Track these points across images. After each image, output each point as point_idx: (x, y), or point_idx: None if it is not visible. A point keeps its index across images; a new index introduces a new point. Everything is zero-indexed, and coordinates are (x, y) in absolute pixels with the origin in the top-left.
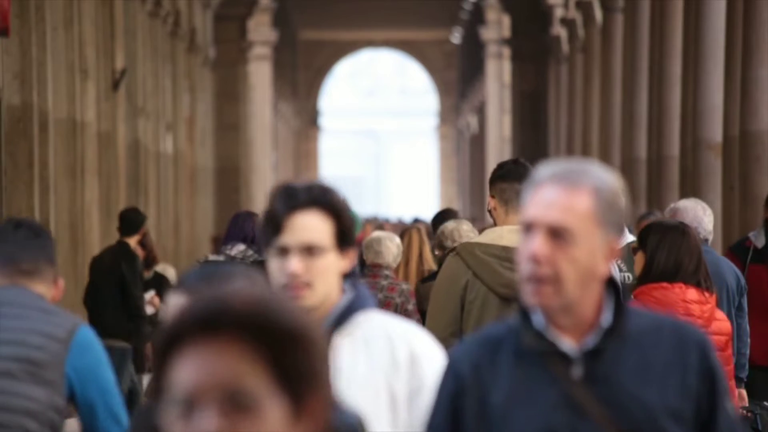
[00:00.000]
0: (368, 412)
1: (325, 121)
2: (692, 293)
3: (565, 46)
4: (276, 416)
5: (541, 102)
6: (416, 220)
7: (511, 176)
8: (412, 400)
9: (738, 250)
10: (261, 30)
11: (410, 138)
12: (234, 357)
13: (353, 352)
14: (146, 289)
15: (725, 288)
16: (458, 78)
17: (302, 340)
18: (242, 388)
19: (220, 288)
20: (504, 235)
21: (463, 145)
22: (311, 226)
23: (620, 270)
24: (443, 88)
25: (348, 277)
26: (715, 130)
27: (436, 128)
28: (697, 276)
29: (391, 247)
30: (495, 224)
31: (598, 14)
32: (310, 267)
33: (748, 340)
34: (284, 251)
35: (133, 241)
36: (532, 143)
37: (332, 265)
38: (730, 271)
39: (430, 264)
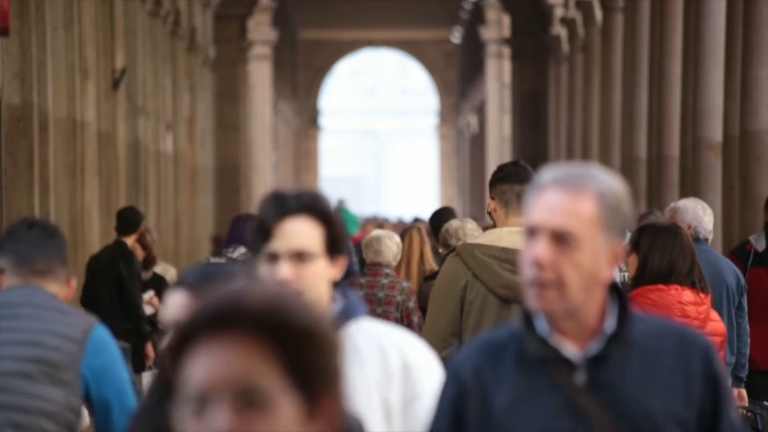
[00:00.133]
0: None
1: (325, 120)
2: (688, 294)
3: (565, 46)
4: (289, 414)
5: (541, 102)
6: (416, 220)
7: (512, 178)
8: (406, 409)
9: (739, 254)
10: (261, 29)
11: (410, 138)
12: (248, 354)
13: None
14: (145, 289)
15: (725, 287)
16: (458, 78)
17: (316, 339)
18: (255, 385)
19: (235, 286)
20: (504, 236)
21: (463, 144)
22: (301, 232)
23: (620, 270)
24: (443, 87)
25: (338, 285)
26: (715, 129)
27: (436, 128)
28: (692, 277)
29: (391, 245)
30: (495, 226)
31: (598, 14)
32: (300, 273)
33: (748, 339)
34: (274, 257)
35: (130, 241)
36: (532, 143)
37: (322, 272)
38: (730, 270)
39: (431, 264)
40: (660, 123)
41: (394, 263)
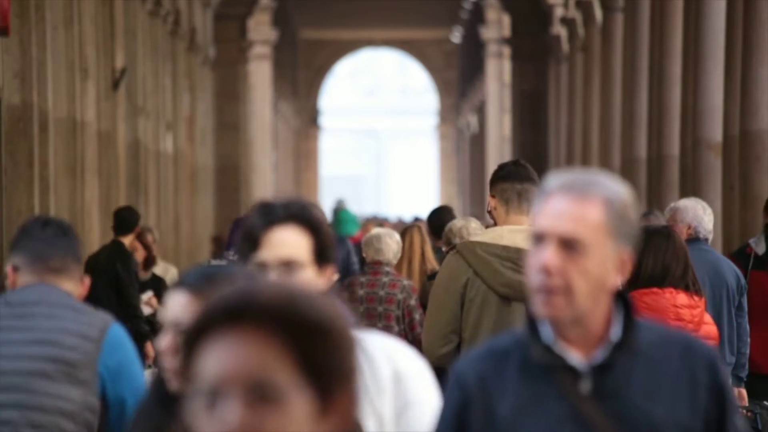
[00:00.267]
0: None
1: (326, 120)
2: (682, 298)
3: (565, 46)
4: (301, 410)
5: (541, 101)
6: (416, 219)
7: (512, 177)
8: (399, 419)
9: (739, 257)
10: (261, 29)
11: (410, 137)
12: (261, 349)
13: None
14: (143, 290)
15: (725, 287)
16: (458, 77)
17: (331, 336)
18: (268, 380)
19: (250, 281)
20: (505, 234)
21: (463, 144)
22: (289, 241)
23: None
24: (443, 87)
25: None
26: (715, 129)
27: (436, 128)
28: (686, 280)
29: (391, 243)
30: (495, 224)
31: (598, 14)
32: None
33: (748, 339)
34: (262, 267)
35: (127, 240)
36: (532, 143)
37: (311, 281)
38: (730, 270)
39: (433, 263)
40: (660, 123)
41: (395, 261)
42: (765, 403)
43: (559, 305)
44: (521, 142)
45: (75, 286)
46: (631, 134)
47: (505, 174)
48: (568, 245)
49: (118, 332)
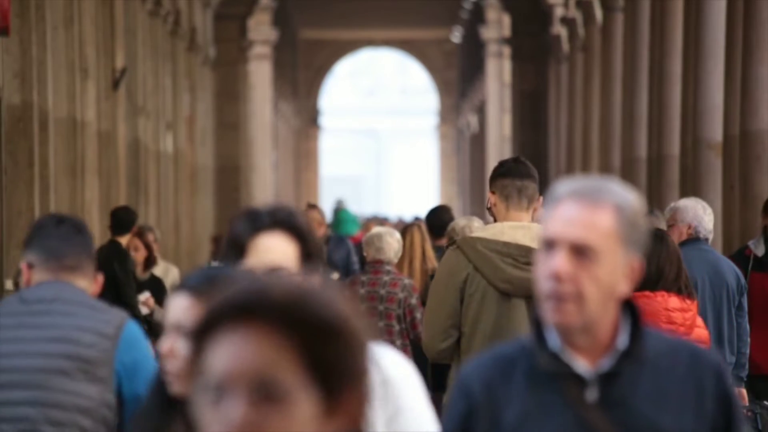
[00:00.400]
0: None
1: (326, 120)
2: (674, 301)
3: (565, 46)
4: (306, 410)
5: (541, 101)
6: (416, 219)
7: (513, 173)
8: (390, 425)
9: (738, 259)
10: (261, 29)
11: (410, 137)
12: (269, 346)
13: None
14: (141, 290)
15: (725, 287)
16: (458, 77)
17: (340, 336)
18: (273, 378)
19: (263, 277)
20: (505, 231)
21: (463, 144)
22: (276, 248)
23: None
24: (443, 87)
25: None
26: (715, 129)
27: (436, 127)
28: (678, 283)
29: (392, 242)
30: (495, 220)
31: (599, 13)
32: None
33: (748, 339)
34: (234, 268)
35: (125, 240)
36: (533, 143)
37: None
38: (731, 270)
39: (433, 262)
40: (660, 122)
41: (396, 260)
42: (765, 403)
43: (569, 312)
44: (521, 142)
45: (89, 283)
46: (631, 134)
47: (505, 170)
48: (580, 252)
49: (134, 330)
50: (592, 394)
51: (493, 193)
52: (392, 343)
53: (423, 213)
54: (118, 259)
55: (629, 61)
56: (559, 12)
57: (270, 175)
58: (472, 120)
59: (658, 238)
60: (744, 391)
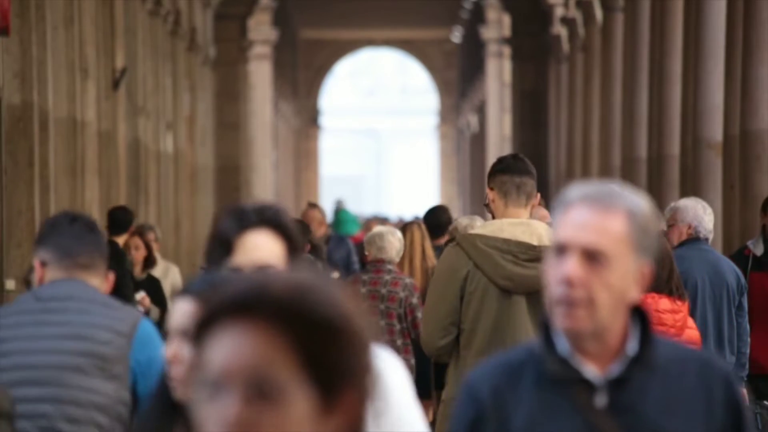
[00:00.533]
0: None
1: (326, 120)
2: (665, 303)
3: (565, 46)
4: (302, 408)
5: (541, 101)
6: (416, 218)
7: (511, 170)
8: (377, 420)
9: (737, 259)
10: (261, 29)
11: (410, 137)
12: (265, 343)
13: None
14: (137, 289)
15: (725, 287)
16: (458, 77)
17: (339, 333)
18: (269, 376)
19: (264, 273)
20: (504, 227)
21: (463, 144)
22: (263, 246)
23: None
24: (443, 87)
25: None
26: (715, 129)
27: (436, 127)
28: (670, 284)
29: (394, 241)
30: (493, 217)
31: (599, 13)
32: None
33: (748, 339)
34: (236, 272)
35: (121, 240)
36: (533, 142)
37: None
38: (731, 270)
39: (433, 260)
40: (660, 122)
41: (397, 259)
42: (765, 403)
43: (580, 318)
44: (521, 142)
45: (101, 282)
46: (631, 134)
47: (504, 167)
48: (591, 257)
49: (148, 328)
50: (601, 400)
51: (491, 189)
52: (393, 342)
53: (422, 213)
54: (115, 258)
55: (629, 61)
56: (559, 12)
57: (270, 175)
58: (472, 120)
59: None
60: (744, 391)
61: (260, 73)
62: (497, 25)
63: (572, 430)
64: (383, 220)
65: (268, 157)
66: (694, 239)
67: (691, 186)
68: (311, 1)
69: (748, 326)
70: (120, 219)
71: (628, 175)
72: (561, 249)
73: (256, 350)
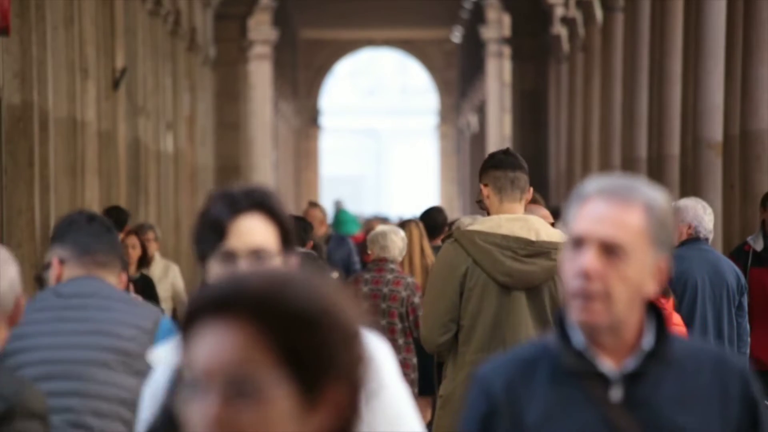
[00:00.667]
0: None
1: (326, 120)
2: None
3: (565, 45)
4: (283, 404)
5: (541, 101)
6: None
7: (504, 165)
8: (369, 402)
9: (738, 255)
10: (261, 29)
11: (411, 137)
12: (243, 341)
13: None
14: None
15: (725, 287)
16: (458, 77)
17: (318, 326)
18: (247, 374)
19: (242, 270)
20: (503, 223)
21: (463, 144)
22: (257, 229)
23: None
24: (443, 87)
25: None
26: (715, 129)
27: (436, 127)
28: None
29: (397, 240)
30: (488, 213)
31: (599, 13)
32: None
33: (748, 339)
34: (231, 256)
35: None
36: (533, 142)
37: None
38: (731, 270)
39: (432, 258)
40: (660, 122)
41: (400, 258)
42: (765, 402)
43: (597, 311)
44: (521, 142)
45: (116, 280)
46: (631, 133)
47: (496, 162)
48: (609, 250)
49: (168, 325)
50: (616, 394)
51: (485, 185)
52: (395, 341)
53: (419, 213)
54: None
55: (629, 61)
56: (559, 12)
57: (270, 174)
58: (472, 120)
59: None
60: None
61: (260, 73)
62: (497, 25)
63: (587, 424)
64: (383, 220)
65: (268, 157)
66: (694, 239)
67: (691, 186)
68: (311, 1)
69: (748, 326)
70: (115, 218)
71: (628, 175)
72: (578, 242)
73: (234, 349)
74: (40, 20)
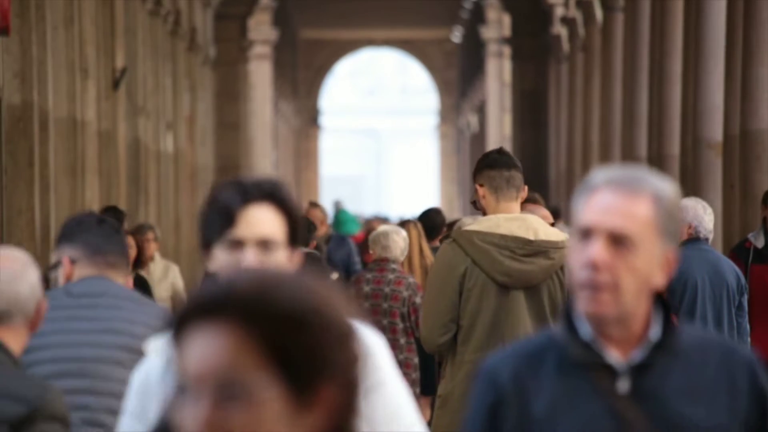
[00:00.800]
0: None
1: (326, 120)
2: None
3: (565, 45)
4: (275, 406)
5: (541, 101)
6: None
7: (499, 164)
8: (368, 396)
9: (739, 252)
10: (261, 29)
11: (411, 137)
12: (231, 344)
13: None
14: None
15: (725, 287)
16: (458, 77)
17: (307, 326)
18: (236, 378)
19: (231, 274)
20: (501, 223)
21: (463, 144)
22: (266, 220)
23: None
24: (444, 87)
25: None
26: (715, 129)
27: (436, 127)
28: None
29: (398, 240)
30: (483, 213)
31: (599, 13)
32: (265, 263)
33: (748, 339)
34: (238, 245)
35: None
36: (533, 142)
37: (284, 263)
38: (731, 270)
39: (431, 258)
40: (660, 122)
41: (402, 258)
42: None
43: (605, 302)
44: (521, 142)
45: (123, 281)
46: (631, 133)
47: (491, 162)
48: (617, 241)
49: None
50: (623, 386)
51: (481, 185)
52: (396, 341)
53: (418, 214)
54: None
55: (629, 61)
56: (559, 12)
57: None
58: (473, 120)
59: None
60: None
61: (260, 73)
62: (497, 25)
63: (594, 415)
64: (384, 221)
65: (268, 157)
66: (694, 239)
67: (691, 186)
68: (311, 1)
69: (748, 326)
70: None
71: None
72: (586, 233)
73: (224, 352)
74: (40, 20)
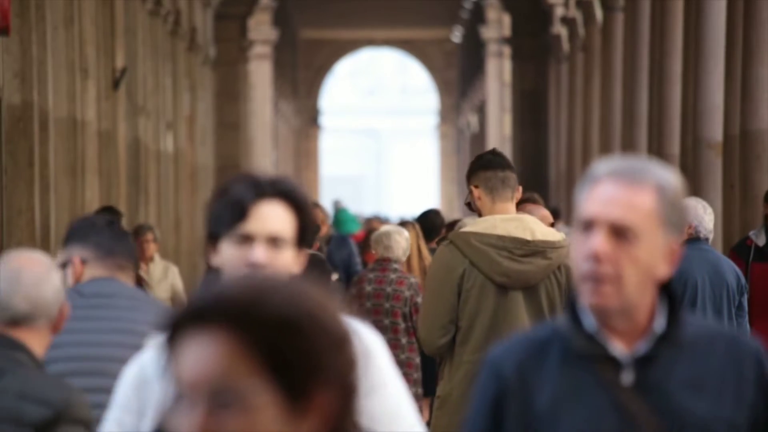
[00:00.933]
0: None
1: (326, 120)
2: None
3: (565, 45)
4: (269, 413)
5: (541, 101)
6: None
7: (494, 165)
8: (368, 397)
9: (739, 250)
10: (261, 29)
11: (411, 137)
12: (224, 351)
13: None
14: None
15: (726, 287)
16: (459, 77)
17: (301, 332)
18: (230, 385)
19: (224, 281)
20: (498, 224)
21: (463, 144)
22: (278, 217)
23: None
24: (444, 87)
25: None
26: (715, 129)
27: (436, 127)
28: None
29: (401, 241)
30: (479, 215)
31: (599, 13)
32: (273, 259)
33: None
34: (247, 239)
35: None
36: (533, 142)
37: (291, 262)
38: (731, 270)
39: (429, 259)
40: (660, 122)
41: (404, 258)
42: None
43: (607, 294)
44: (521, 142)
45: (131, 283)
46: (631, 133)
47: (485, 163)
48: (619, 232)
49: None
50: (627, 378)
51: (476, 187)
52: (398, 340)
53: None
54: None
55: (629, 61)
56: (559, 12)
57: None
58: (472, 120)
59: None
60: None
61: (260, 73)
62: (497, 25)
63: (598, 407)
64: (384, 221)
65: (268, 157)
66: (695, 239)
67: (692, 186)
68: (311, 1)
69: (748, 326)
70: None
71: None
72: (588, 225)
73: (217, 360)
74: (40, 20)
